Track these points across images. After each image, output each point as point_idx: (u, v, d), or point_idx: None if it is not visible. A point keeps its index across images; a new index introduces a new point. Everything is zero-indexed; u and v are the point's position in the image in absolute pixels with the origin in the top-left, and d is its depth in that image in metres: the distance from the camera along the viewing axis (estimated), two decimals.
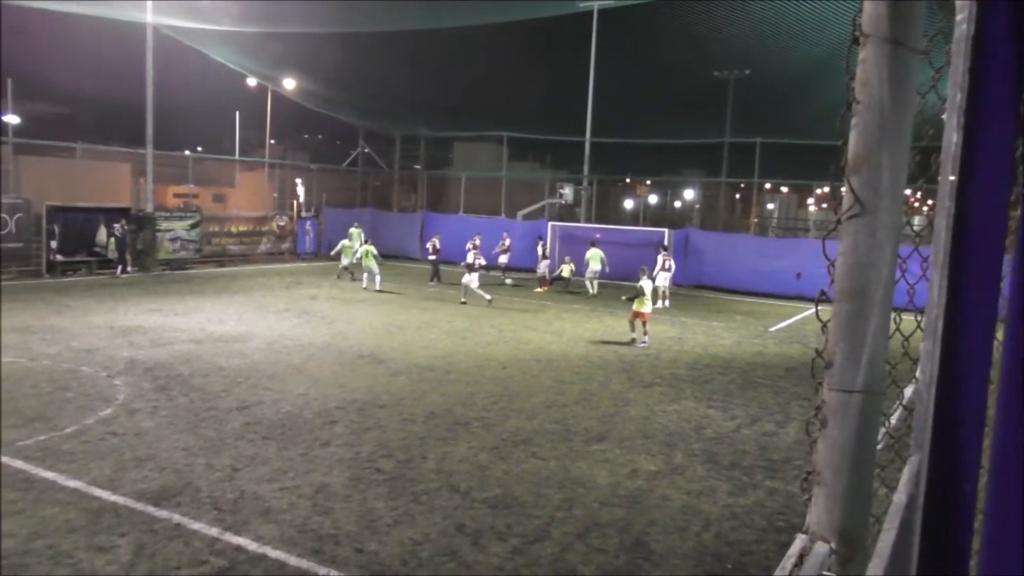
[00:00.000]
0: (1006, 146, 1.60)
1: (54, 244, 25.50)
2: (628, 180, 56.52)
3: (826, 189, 47.30)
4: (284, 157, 49.88)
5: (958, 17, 1.64)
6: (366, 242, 26.27)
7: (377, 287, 24.59)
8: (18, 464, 8.80)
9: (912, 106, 1.41)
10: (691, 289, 28.83)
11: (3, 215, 24.40)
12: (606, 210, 48.56)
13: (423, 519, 7.83)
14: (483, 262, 25.37)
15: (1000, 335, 1.66)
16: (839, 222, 1.41)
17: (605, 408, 12.41)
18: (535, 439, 10.62)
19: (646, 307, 17.41)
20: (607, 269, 26.07)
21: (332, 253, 29.72)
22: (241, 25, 28.04)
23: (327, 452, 9.69)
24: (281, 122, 44.90)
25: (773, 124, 33.75)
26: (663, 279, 24.13)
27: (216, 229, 31.54)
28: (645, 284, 17.57)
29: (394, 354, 15.51)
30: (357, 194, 42.01)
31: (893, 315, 1.57)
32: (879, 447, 1.51)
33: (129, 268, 26.67)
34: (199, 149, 45.89)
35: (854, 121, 1.40)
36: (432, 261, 27.48)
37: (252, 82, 39.38)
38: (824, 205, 66.98)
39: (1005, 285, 1.61)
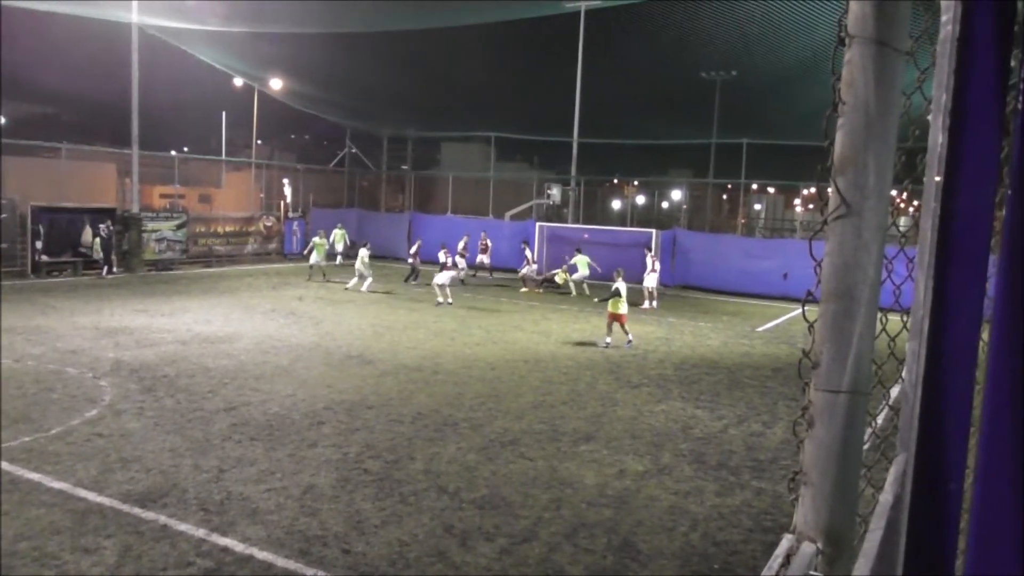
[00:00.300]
0: (991, 147, 1.61)
1: (39, 245, 25.35)
2: (616, 181, 56.73)
3: (812, 190, 47.59)
4: (271, 157, 49.74)
5: (943, 18, 1.65)
6: (348, 242, 26.38)
7: (364, 288, 24.53)
8: (3, 466, 8.73)
9: (898, 107, 1.41)
10: (678, 289, 28.89)
11: None
12: (594, 211, 48.65)
13: (411, 520, 7.82)
14: (462, 264, 25.29)
15: (986, 335, 1.66)
16: (825, 222, 1.42)
17: (593, 408, 12.42)
18: (523, 439, 10.62)
19: (622, 308, 17.39)
20: (599, 270, 26.11)
21: (305, 252, 29.72)
22: (227, 25, 27.92)
23: (315, 453, 9.66)
24: (268, 122, 44.74)
25: (760, 125, 33.93)
26: (651, 280, 24.21)
27: (202, 229, 31.41)
28: (620, 286, 17.54)
29: (382, 355, 15.48)
30: (344, 194, 41.93)
31: (879, 315, 1.57)
32: (865, 447, 1.52)
33: (115, 269, 26.56)
34: (185, 149, 45.73)
35: (840, 122, 1.40)
36: (412, 265, 27.63)
37: (238, 82, 39.17)
38: (811, 206, 67.39)
39: (991, 286, 1.61)
